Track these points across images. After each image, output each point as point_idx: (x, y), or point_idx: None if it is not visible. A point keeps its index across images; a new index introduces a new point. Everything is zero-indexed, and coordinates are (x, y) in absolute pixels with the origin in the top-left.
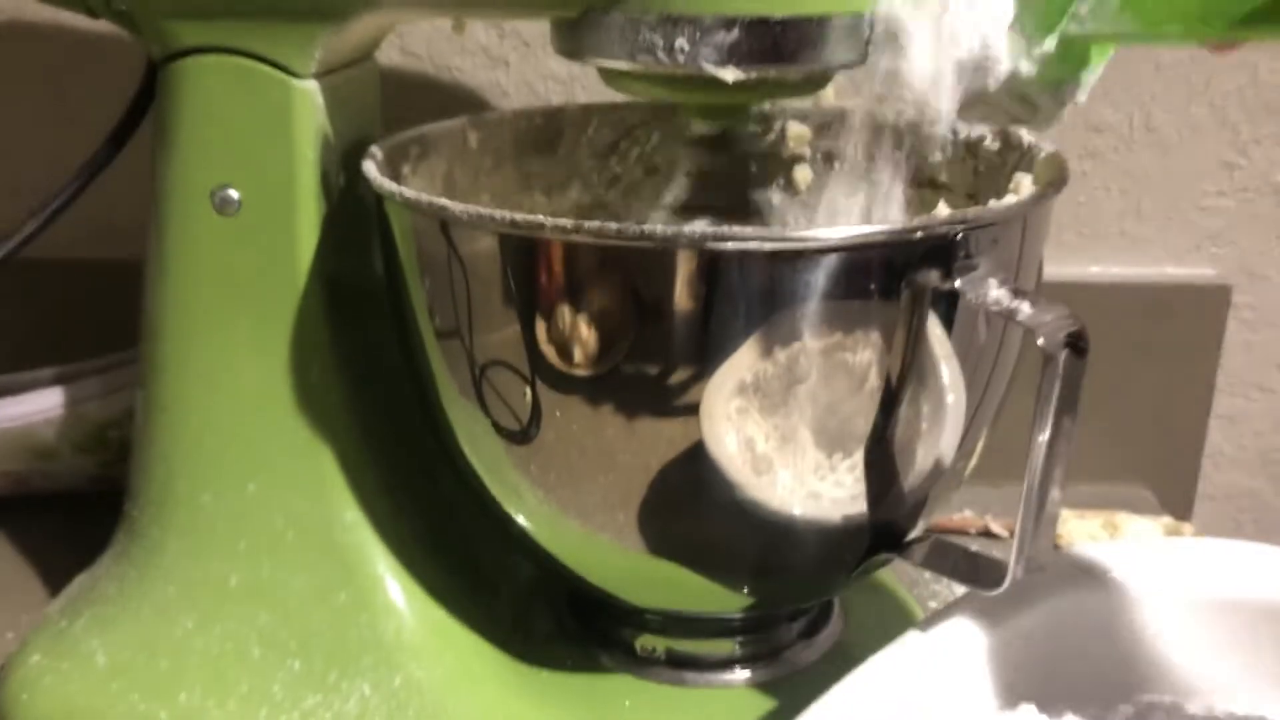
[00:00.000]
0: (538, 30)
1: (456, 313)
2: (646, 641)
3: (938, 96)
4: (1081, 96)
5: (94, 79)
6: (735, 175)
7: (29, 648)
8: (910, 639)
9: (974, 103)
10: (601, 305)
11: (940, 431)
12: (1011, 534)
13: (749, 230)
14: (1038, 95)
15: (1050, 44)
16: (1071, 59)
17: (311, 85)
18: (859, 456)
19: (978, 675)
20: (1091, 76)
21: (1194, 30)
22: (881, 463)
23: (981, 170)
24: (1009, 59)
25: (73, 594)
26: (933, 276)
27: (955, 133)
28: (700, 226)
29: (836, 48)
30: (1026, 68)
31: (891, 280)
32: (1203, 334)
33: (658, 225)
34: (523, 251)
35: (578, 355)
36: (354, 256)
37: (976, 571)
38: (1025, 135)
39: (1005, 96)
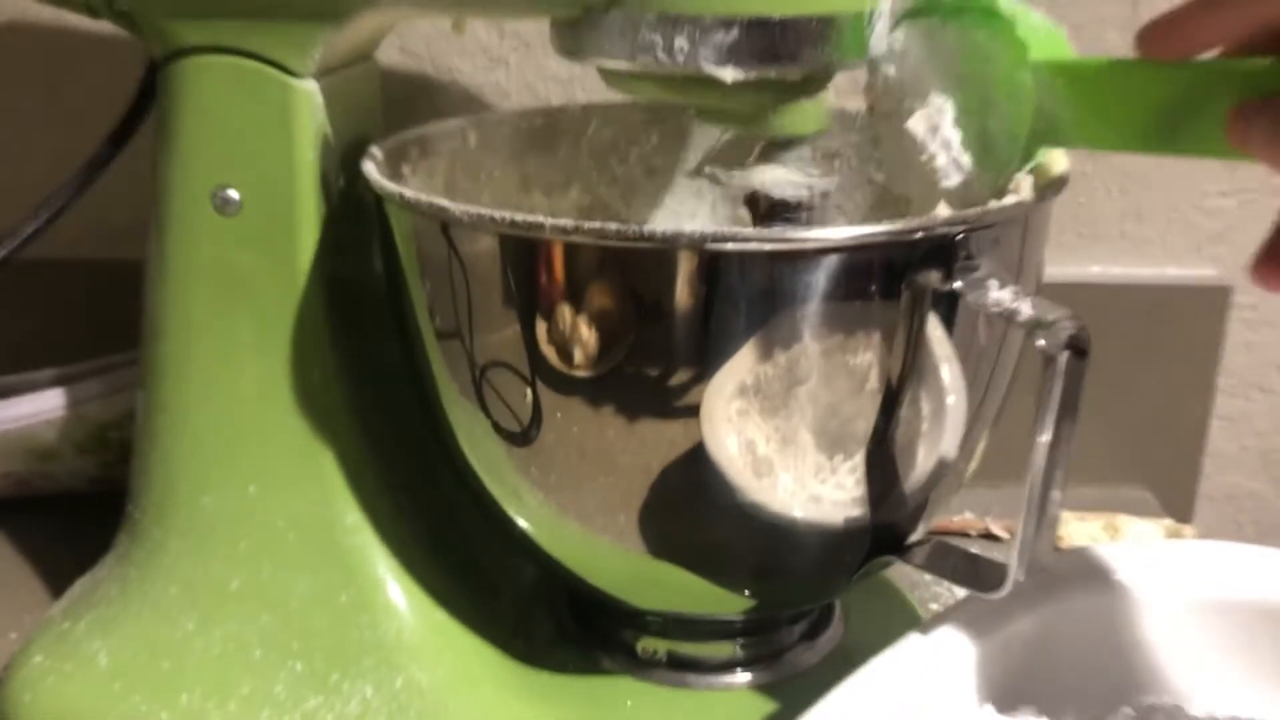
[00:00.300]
0: (538, 30)
1: (456, 313)
2: (648, 644)
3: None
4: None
5: (94, 79)
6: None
7: (32, 648)
8: (911, 641)
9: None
10: (602, 306)
11: (941, 433)
12: (1012, 536)
13: (749, 231)
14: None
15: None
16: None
17: (311, 85)
18: (860, 458)
19: (978, 678)
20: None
21: (1136, 147)
22: (882, 464)
23: None
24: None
25: (75, 595)
26: (933, 277)
27: None
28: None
29: (836, 47)
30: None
31: (892, 281)
32: (1204, 335)
33: (658, 226)
34: (523, 252)
35: (578, 356)
36: (354, 257)
37: (977, 574)
38: None
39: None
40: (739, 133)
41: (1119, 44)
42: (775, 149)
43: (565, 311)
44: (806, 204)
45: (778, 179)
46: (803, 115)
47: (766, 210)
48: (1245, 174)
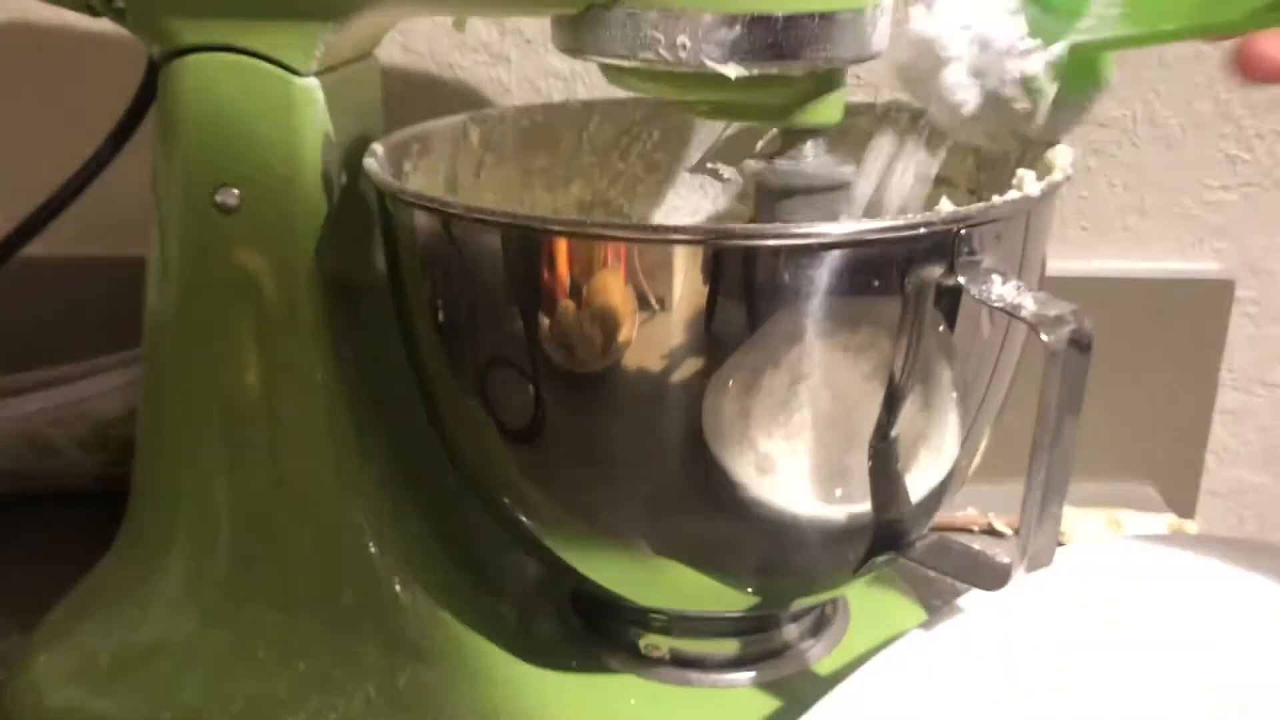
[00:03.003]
0: (539, 27)
1: (459, 310)
2: (651, 641)
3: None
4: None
5: (95, 78)
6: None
7: (34, 648)
8: (914, 638)
9: (987, 109)
10: (604, 302)
11: (944, 428)
12: (1015, 531)
13: (752, 226)
14: (1050, 114)
15: (1059, 50)
16: (1079, 75)
17: (313, 83)
18: (862, 454)
19: (981, 673)
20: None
21: (1193, 28)
22: (885, 460)
23: (984, 165)
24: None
25: (76, 595)
26: (936, 272)
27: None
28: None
29: (839, 44)
30: (1034, 66)
31: (895, 276)
32: (1206, 329)
33: (660, 221)
34: (525, 248)
35: (581, 353)
36: (356, 254)
37: (980, 571)
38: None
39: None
40: (760, 123)
41: None
42: (793, 139)
43: (568, 308)
44: (825, 187)
45: (795, 168)
46: (826, 106)
47: (782, 197)
48: (1248, 168)
